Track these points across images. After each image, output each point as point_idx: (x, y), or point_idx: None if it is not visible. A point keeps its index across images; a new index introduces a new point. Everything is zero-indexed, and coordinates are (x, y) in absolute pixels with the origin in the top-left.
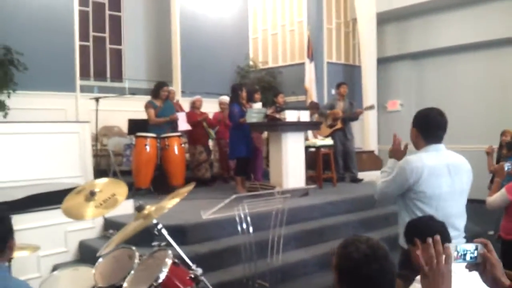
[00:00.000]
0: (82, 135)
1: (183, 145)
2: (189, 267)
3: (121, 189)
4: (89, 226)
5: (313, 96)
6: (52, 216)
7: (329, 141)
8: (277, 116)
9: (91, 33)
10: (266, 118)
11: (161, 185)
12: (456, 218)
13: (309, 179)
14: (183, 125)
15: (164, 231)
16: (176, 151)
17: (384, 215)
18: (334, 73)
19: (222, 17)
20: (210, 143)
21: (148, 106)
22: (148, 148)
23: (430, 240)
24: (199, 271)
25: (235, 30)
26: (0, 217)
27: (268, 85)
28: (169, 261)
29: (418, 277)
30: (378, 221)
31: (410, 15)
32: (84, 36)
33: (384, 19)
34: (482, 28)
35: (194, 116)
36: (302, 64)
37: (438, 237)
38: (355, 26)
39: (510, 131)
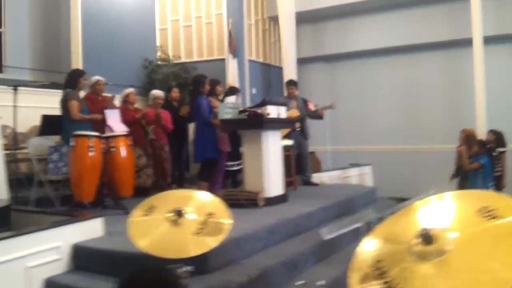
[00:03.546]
0: None
1: (131, 146)
2: None
3: (213, 204)
4: (54, 257)
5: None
6: (2, 249)
7: (290, 142)
8: (259, 111)
9: None
10: (244, 114)
11: (102, 198)
12: None
13: None
14: (118, 125)
15: None
16: (124, 154)
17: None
18: (254, 71)
19: (125, 2)
20: None
21: (72, 96)
22: (92, 151)
23: None
24: None
25: (140, 18)
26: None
27: (184, 82)
28: None
29: None
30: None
31: (327, 17)
32: None
33: (301, 19)
34: (396, 33)
35: (129, 113)
36: (221, 60)
37: None
38: (271, 25)
39: (466, 129)
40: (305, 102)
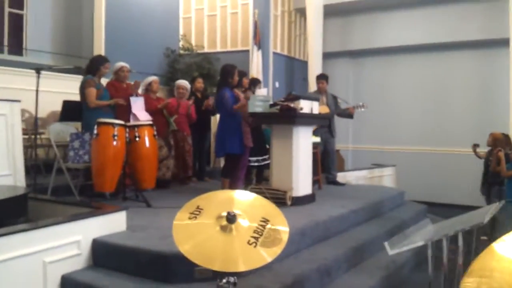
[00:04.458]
0: (11, 118)
1: (156, 137)
2: None
3: (264, 207)
4: (73, 252)
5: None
6: (19, 242)
7: (318, 139)
8: (292, 105)
9: None
10: (275, 107)
11: (123, 189)
12: None
13: None
14: (142, 114)
15: None
16: (148, 144)
17: (399, 224)
18: (278, 64)
19: None
20: None
21: (90, 83)
22: (116, 140)
23: None
24: None
25: (164, 5)
26: None
27: (207, 73)
28: None
29: None
30: (399, 230)
31: (355, 11)
32: None
33: (329, 12)
34: (427, 30)
35: (151, 102)
36: (245, 51)
37: None
38: (297, 17)
39: (494, 133)
40: (335, 98)
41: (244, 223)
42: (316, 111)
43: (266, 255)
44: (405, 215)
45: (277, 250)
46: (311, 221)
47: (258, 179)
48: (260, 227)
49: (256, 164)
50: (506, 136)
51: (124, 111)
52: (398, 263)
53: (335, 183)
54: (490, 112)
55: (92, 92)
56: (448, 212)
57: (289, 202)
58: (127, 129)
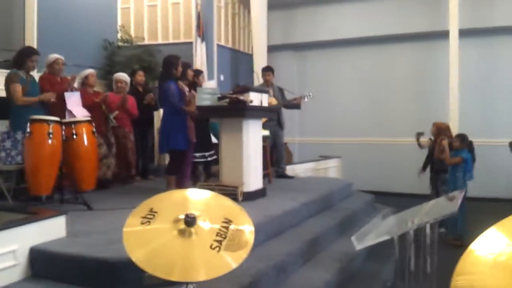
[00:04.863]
0: None
1: (95, 134)
2: None
3: (224, 206)
4: (9, 263)
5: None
6: None
7: (267, 132)
8: (241, 98)
9: None
10: (223, 100)
11: (60, 191)
12: None
13: None
14: (79, 109)
15: None
16: (86, 142)
17: (350, 214)
18: (222, 57)
19: None
20: None
21: (12, 79)
22: (51, 138)
23: None
24: None
25: None
26: None
27: (148, 66)
28: None
29: None
30: (350, 221)
31: (298, 4)
32: None
33: (272, 5)
34: (370, 23)
35: (88, 97)
36: (188, 43)
37: None
38: (240, 9)
39: (437, 122)
40: (281, 90)
41: (204, 225)
42: (265, 103)
43: (231, 260)
44: (354, 206)
45: (242, 254)
46: (265, 216)
47: (207, 175)
48: (223, 229)
49: (202, 160)
50: (447, 125)
51: (59, 107)
52: (350, 255)
53: (284, 176)
54: (431, 102)
55: (17, 88)
56: (394, 201)
57: (240, 198)
58: (63, 126)
